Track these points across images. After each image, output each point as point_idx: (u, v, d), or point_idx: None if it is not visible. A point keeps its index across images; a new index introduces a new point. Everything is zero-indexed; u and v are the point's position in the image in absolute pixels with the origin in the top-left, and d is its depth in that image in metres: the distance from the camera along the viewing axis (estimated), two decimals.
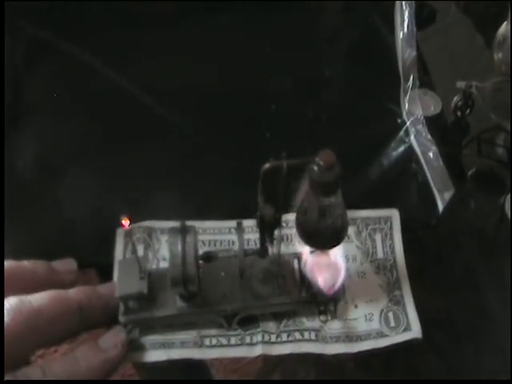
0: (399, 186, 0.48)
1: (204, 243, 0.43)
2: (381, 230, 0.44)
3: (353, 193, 0.45)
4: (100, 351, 0.36)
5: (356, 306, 0.41)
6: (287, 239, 0.43)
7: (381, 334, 0.40)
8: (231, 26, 0.57)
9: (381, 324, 0.40)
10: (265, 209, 0.36)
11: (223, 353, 0.39)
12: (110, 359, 0.36)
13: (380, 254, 0.43)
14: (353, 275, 0.42)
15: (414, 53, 0.54)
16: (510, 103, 0.51)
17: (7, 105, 0.50)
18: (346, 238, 0.43)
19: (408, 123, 0.51)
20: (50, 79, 0.54)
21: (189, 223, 0.38)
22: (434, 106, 0.53)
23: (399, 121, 0.52)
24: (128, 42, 0.56)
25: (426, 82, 0.54)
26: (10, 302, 0.34)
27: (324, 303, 0.40)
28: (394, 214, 0.44)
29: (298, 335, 0.39)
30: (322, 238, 0.38)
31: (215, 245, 0.43)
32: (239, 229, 0.38)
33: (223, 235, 0.44)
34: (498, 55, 0.53)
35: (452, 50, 0.60)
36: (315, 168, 0.34)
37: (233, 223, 0.40)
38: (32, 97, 0.53)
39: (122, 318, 0.38)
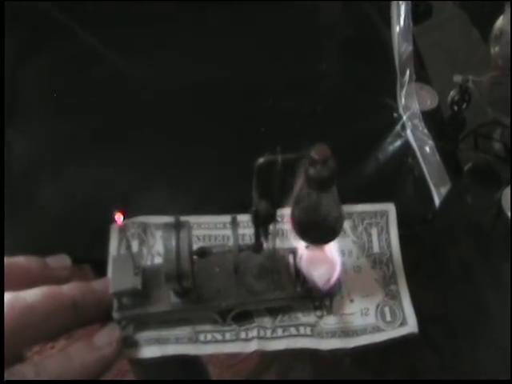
0: (395, 181, 0.48)
1: (199, 238, 0.43)
2: (377, 225, 0.44)
3: (349, 187, 0.45)
4: (94, 349, 0.36)
5: (352, 301, 0.41)
6: (282, 234, 0.43)
7: (377, 329, 0.39)
8: (228, 22, 0.57)
9: (377, 319, 0.40)
10: (259, 204, 0.36)
11: (218, 348, 0.39)
12: (104, 357, 0.36)
13: (376, 249, 0.43)
14: (349, 270, 0.42)
15: (411, 47, 0.54)
16: (510, 99, 0.51)
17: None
18: (342, 233, 0.43)
19: (404, 117, 0.51)
20: (44, 75, 0.54)
21: (183, 218, 0.37)
22: (430, 101, 0.53)
23: (395, 115, 0.52)
24: (126, 39, 0.56)
25: (422, 76, 0.54)
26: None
27: (319, 298, 0.40)
28: (391, 209, 0.44)
29: (293, 330, 0.39)
30: (317, 232, 0.37)
31: (210, 240, 0.43)
32: (233, 224, 0.38)
33: (218, 230, 0.43)
34: (495, 49, 0.53)
35: (448, 44, 0.60)
36: (310, 163, 0.34)
37: (227, 218, 0.39)
38: (24, 94, 0.52)
39: (116, 315, 0.38)
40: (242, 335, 0.39)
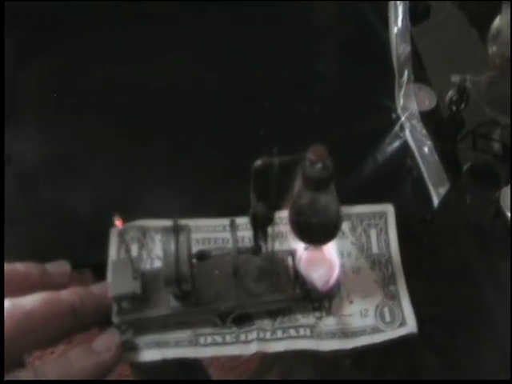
0: (394, 182, 0.48)
1: (198, 241, 0.43)
2: (376, 226, 0.44)
3: (348, 188, 0.45)
4: (93, 354, 0.36)
5: (351, 302, 0.41)
6: (281, 236, 0.43)
7: (376, 330, 0.39)
8: (226, 23, 0.57)
9: (376, 319, 0.40)
10: (257, 206, 0.36)
11: (218, 351, 0.39)
12: (104, 362, 0.36)
13: (375, 250, 0.43)
14: (348, 271, 0.42)
15: (409, 48, 0.54)
16: (510, 99, 0.51)
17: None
18: (341, 234, 0.43)
19: (403, 118, 0.51)
20: (44, 76, 0.53)
21: (182, 221, 0.37)
22: (428, 101, 0.53)
23: (394, 116, 0.52)
24: (125, 40, 0.56)
25: (420, 76, 0.54)
26: None
27: (318, 300, 0.40)
28: (389, 210, 0.44)
29: (293, 332, 0.39)
30: (316, 233, 0.37)
31: (209, 243, 0.43)
32: (232, 226, 0.38)
33: (217, 233, 0.43)
34: (493, 49, 0.53)
35: (446, 44, 0.60)
36: (307, 163, 0.34)
37: (227, 221, 0.40)
38: (25, 94, 0.52)
39: (115, 319, 0.38)
40: (242, 337, 0.39)
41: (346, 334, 0.39)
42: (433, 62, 0.57)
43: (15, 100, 0.52)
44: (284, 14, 0.58)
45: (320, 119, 0.52)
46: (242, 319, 0.40)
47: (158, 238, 0.43)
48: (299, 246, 0.40)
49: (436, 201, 0.46)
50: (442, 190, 0.47)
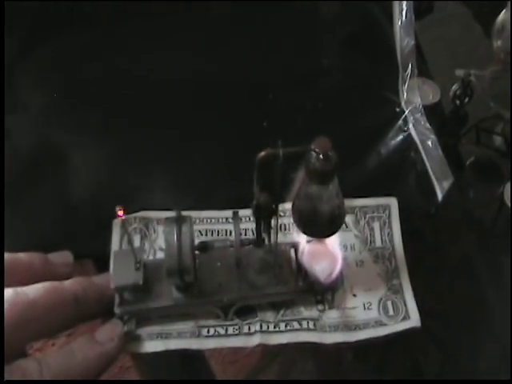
0: (398, 175, 0.48)
1: (201, 233, 0.43)
2: (379, 219, 0.44)
3: (351, 181, 0.45)
4: (96, 344, 0.36)
5: (354, 295, 0.41)
6: (284, 229, 0.43)
7: (379, 323, 0.39)
8: (229, 16, 0.57)
9: (379, 313, 0.40)
10: (261, 197, 0.36)
11: (221, 343, 0.39)
12: (107, 352, 0.36)
13: (378, 243, 0.43)
14: (351, 264, 0.42)
15: (413, 41, 0.54)
16: (510, 92, 0.51)
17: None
18: (344, 227, 0.43)
19: (406, 112, 0.51)
20: (45, 67, 0.53)
21: (185, 213, 0.37)
22: (432, 95, 0.53)
23: (398, 110, 0.51)
24: (126, 33, 0.56)
25: (423, 71, 0.54)
26: (5, 295, 0.34)
27: (321, 292, 0.40)
28: (393, 203, 0.44)
29: (296, 324, 0.39)
30: (319, 226, 0.37)
31: (212, 234, 0.43)
32: (235, 218, 0.38)
33: (220, 225, 0.43)
34: (497, 43, 0.53)
35: (449, 40, 0.59)
36: (311, 155, 0.34)
37: (229, 213, 0.39)
38: (27, 84, 0.52)
39: (117, 310, 0.38)
40: (245, 329, 0.39)
41: (349, 326, 0.39)
42: (435, 58, 0.57)
43: (16, 92, 0.52)
44: (289, 7, 0.58)
45: (324, 113, 0.51)
46: (245, 311, 0.40)
47: (160, 229, 0.43)
48: (302, 239, 0.40)
49: (440, 195, 0.46)
50: (446, 184, 0.47)
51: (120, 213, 0.35)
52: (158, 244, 0.43)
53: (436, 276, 0.46)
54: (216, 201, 0.45)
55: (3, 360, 0.33)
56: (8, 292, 0.34)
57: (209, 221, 0.43)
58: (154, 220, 0.43)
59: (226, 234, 0.43)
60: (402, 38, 0.54)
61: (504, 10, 0.53)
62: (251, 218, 0.43)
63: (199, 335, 0.39)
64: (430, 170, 0.48)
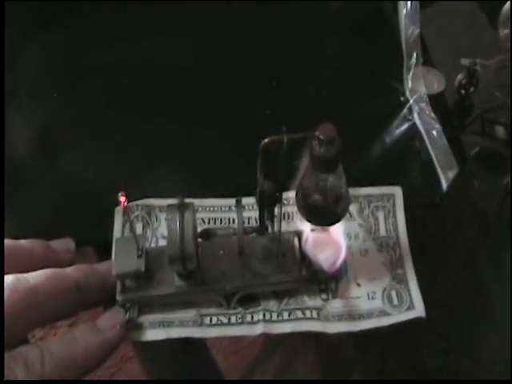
0: (402, 164, 0.47)
1: (204, 221, 0.43)
2: (383, 208, 0.43)
3: (356, 170, 0.45)
4: (98, 331, 0.36)
5: (358, 285, 0.40)
6: (288, 217, 0.43)
7: (384, 313, 0.39)
8: (232, 3, 0.56)
9: (384, 302, 0.39)
10: (264, 185, 0.36)
11: (223, 331, 0.38)
12: (108, 340, 0.36)
13: (383, 232, 0.42)
14: (355, 253, 0.41)
15: (418, 30, 0.53)
16: (510, 82, 0.50)
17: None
18: (349, 216, 0.42)
19: (411, 101, 0.51)
20: (46, 56, 0.53)
21: (188, 201, 0.37)
22: (437, 84, 0.52)
23: (402, 99, 0.51)
24: (127, 20, 0.55)
25: (428, 60, 0.53)
26: (6, 281, 0.34)
27: (325, 281, 0.40)
28: (397, 192, 0.44)
29: (299, 314, 0.39)
30: (323, 214, 0.37)
31: (215, 223, 0.43)
32: (238, 206, 0.37)
33: (223, 213, 0.43)
34: (504, 32, 0.52)
35: (454, 30, 0.59)
36: (315, 142, 0.33)
37: (233, 201, 0.39)
38: (28, 74, 0.52)
39: (119, 297, 0.38)
40: (248, 318, 0.39)
41: (353, 316, 0.39)
42: (439, 48, 0.56)
43: (19, 79, 0.51)
44: None
45: (328, 101, 0.51)
46: (248, 300, 0.39)
47: (163, 216, 0.42)
48: (306, 227, 0.40)
49: (445, 184, 0.46)
50: (451, 174, 0.46)
51: (122, 199, 0.35)
52: (160, 232, 0.42)
53: (438, 267, 0.46)
54: (219, 189, 0.44)
55: (3, 346, 0.32)
56: (9, 278, 0.34)
57: (211, 209, 0.43)
58: (157, 208, 0.43)
59: (229, 223, 0.43)
60: (407, 26, 0.54)
61: (510, 0, 0.52)
62: (254, 207, 0.42)
63: (201, 324, 0.38)
64: (434, 160, 0.47)
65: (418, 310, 0.39)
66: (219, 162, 0.47)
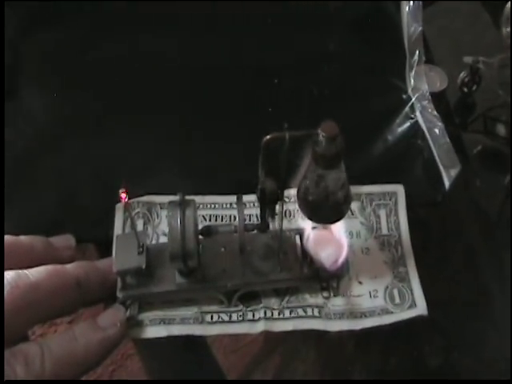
0: (405, 162, 0.47)
1: (205, 218, 0.43)
2: (385, 206, 0.43)
3: (358, 168, 0.44)
4: (98, 329, 0.36)
5: (360, 283, 0.40)
6: (289, 215, 0.43)
7: (385, 311, 0.39)
8: (236, 1, 0.56)
9: (385, 301, 0.39)
10: (266, 182, 0.35)
11: (224, 329, 0.38)
12: (109, 337, 0.36)
13: (385, 230, 0.42)
14: (357, 251, 0.41)
15: (420, 28, 0.53)
16: (510, 79, 0.50)
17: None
18: (350, 214, 0.42)
19: (413, 99, 0.50)
20: (46, 56, 0.53)
21: (189, 198, 0.37)
22: (440, 82, 0.52)
23: (405, 96, 0.51)
24: (135, 15, 0.55)
25: (431, 58, 0.53)
26: (6, 277, 0.34)
27: (326, 279, 0.40)
28: (399, 190, 0.44)
29: (301, 312, 0.39)
30: (325, 212, 0.37)
31: (216, 220, 0.43)
32: (239, 202, 0.37)
33: (224, 210, 0.43)
34: (507, 30, 0.52)
35: (456, 29, 0.59)
36: (318, 139, 0.33)
37: (234, 198, 0.39)
38: (29, 68, 0.52)
39: (119, 294, 0.38)
40: (249, 316, 0.39)
41: (354, 314, 0.39)
42: (441, 46, 0.56)
43: (19, 74, 0.51)
44: None
45: (330, 99, 0.51)
46: (249, 298, 0.39)
47: (163, 213, 0.42)
48: (307, 225, 0.40)
49: (447, 182, 0.46)
50: (454, 172, 0.46)
51: (123, 196, 0.35)
52: (160, 229, 0.42)
53: (441, 265, 0.46)
54: (220, 186, 0.44)
55: (3, 343, 0.32)
56: (9, 274, 0.34)
57: (212, 206, 0.43)
58: (158, 205, 0.43)
59: (230, 220, 0.42)
60: (410, 24, 0.54)
61: (511, 0, 0.52)
62: (256, 204, 0.42)
63: (202, 321, 0.38)
64: (437, 158, 0.47)
65: (420, 309, 0.39)
66: (220, 159, 0.47)
